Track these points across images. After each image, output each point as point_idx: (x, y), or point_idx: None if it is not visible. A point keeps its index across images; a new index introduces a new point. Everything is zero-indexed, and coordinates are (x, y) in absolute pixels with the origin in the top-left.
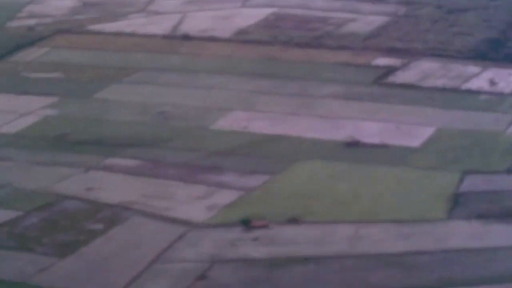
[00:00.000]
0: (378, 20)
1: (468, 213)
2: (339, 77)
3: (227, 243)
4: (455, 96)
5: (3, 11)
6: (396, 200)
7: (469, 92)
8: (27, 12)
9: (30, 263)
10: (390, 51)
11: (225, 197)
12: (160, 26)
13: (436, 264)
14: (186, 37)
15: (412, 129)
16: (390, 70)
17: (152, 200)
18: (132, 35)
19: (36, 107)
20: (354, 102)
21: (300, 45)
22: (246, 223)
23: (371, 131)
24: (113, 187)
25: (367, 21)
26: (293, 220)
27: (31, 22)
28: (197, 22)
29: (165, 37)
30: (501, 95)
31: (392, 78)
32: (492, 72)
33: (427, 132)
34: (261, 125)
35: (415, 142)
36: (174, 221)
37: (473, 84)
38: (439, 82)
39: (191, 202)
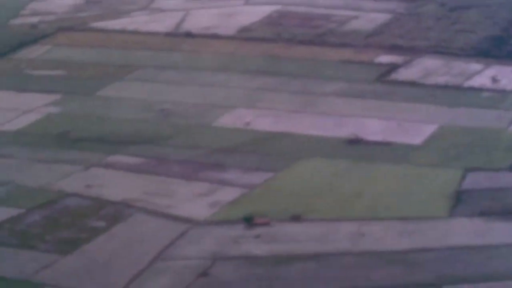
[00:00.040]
0: (380, 18)
1: (470, 210)
2: (341, 74)
3: (229, 240)
4: (457, 94)
5: (6, 9)
6: (398, 197)
7: (472, 89)
8: (30, 9)
9: (32, 260)
10: (393, 49)
11: (228, 194)
12: (162, 23)
13: (438, 261)
14: (189, 35)
15: (415, 127)
16: (393, 67)
17: (154, 198)
18: (134, 32)
19: (38, 105)
20: (356, 100)
21: (303, 43)
22: (249, 221)
23: (373, 128)
24: (115, 184)
25: (370, 18)
26: (295, 218)
27: (34, 19)
28: (200, 20)
29: (167, 34)
30: (503, 92)
31: (394, 76)
32: (494, 70)
33: (429, 129)
34: (264, 123)
35: (418, 140)
36: (176, 218)
37: (476, 82)
38: (442, 80)
39: (194, 199)
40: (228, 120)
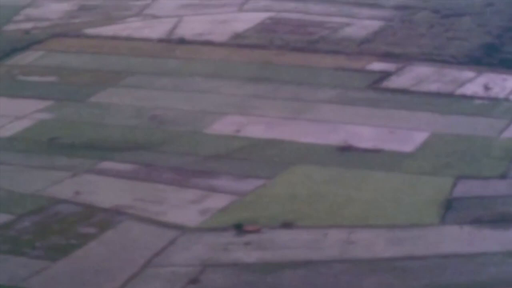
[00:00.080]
0: (373, 25)
1: (460, 218)
2: (334, 81)
3: (220, 247)
4: (449, 101)
5: (0, 15)
6: (388, 205)
7: (464, 97)
8: (24, 15)
9: (23, 266)
10: (385, 56)
11: (218, 201)
12: (156, 30)
13: (428, 269)
14: (182, 41)
15: (406, 134)
16: (385, 75)
17: (145, 204)
18: (128, 39)
19: (31, 111)
20: (348, 107)
21: (296, 49)
22: (239, 228)
23: (365, 136)
24: (106, 191)
25: (363, 25)
26: (286, 225)
27: (28, 25)
28: (193, 26)
29: (161, 41)
30: (495, 100)
31: (386, 83)
32: (486, 77)
33: (421, 137)
34: (256, 130)
35: (409, 147)
36: (166, 225)
37: (468, 89)
38: (434, 87)
39: (184, 206)
40: (220, 126)
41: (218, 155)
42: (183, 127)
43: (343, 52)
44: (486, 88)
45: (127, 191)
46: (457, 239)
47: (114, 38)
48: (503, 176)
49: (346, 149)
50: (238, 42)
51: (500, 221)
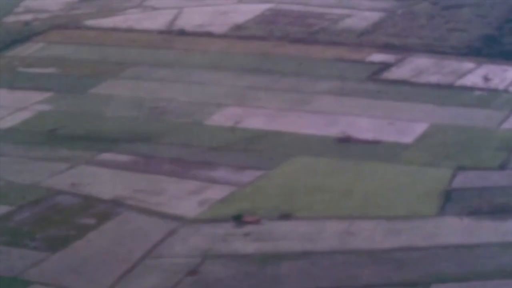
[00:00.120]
0: (374, 16)
1: (459, 209)
2: (333, 73)
3: (219, 238)
4: (449, 92)
5: (0, 6)
6: (387, 196)
7: (463, 88)
8: (24, 7)
9: (22, 258)
10: (385, 47)
11: (218, 192)
12: (156, 21)
13: (427, 260)
14: (182, 33)
15: (405, 125)
16: (385, 66)
17: (144, 196)
18: (128, 30)
19: (30, 102)
20: (348, 98)
21: (296, 41)
22: (238, 219)
23: (364, 127)
24: (105, 182)
25: (363, 17)
26: (285, 216)
27: (28, 17)
28: (193, 18)
29: (161, 32)
30: (495, 91)
31: (386, 74)
32: (486, 69)
33: (420, 128)
34: (255, 121)
35: (408, 138)
36: (166, 216)
37: (468, 80)
38: (433, 78)
39: (183, 197)
40: (220, 118)
41: (217, 147)
42: (183, 119)
43: (343, 44)
44: (486, 79)
45: (127, 183)
46: (456, 230)
47: (114, 29)
48: (502, 167)
49: (345, 140)
50: (238, 33)
51: (499, 212)
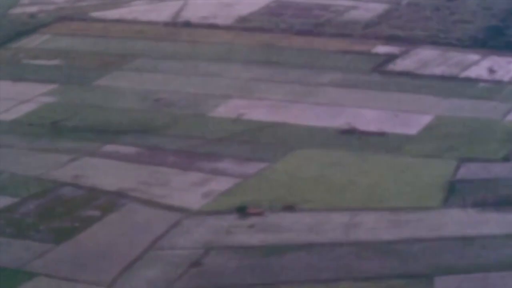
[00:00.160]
0: (379, 8)
1: (463, 201)
2: (338, 64)
3: (223, 230)
4: (453, 84)
5: None
6: (391, 187)
7: (468, 80)
8: None
9: (27, 249)
10: (390, 39)
11: (222, 184)
12: (161, 13)
13: (431, 252)
14: (187, 24)
15: (410, 117)
16: (390, 58)
17: (148, 187)
18: (133, 22)
19: (35, 94)
20: (352, 90)
21: (301, 33)
22: (242, 211)
23: (369, 118)
24: (110, 174)
25: (368, 8)
26: (289, 208)
27: (33, 9)
28: (199, 9)
29: (166, 24)
30: (499, 83)
31: (391, 66)
32: (491, 60)
33: (424, 120)
34: (260, 113)
35: (413, 130)
36: (170, 208)
37: (472, 72)
38: (438, 70)
39: (188, 189)
40: (224, 110)
41: (222, 138)
42: (188, 110)
43: (348, 35)
44: (491, 71)
45: (131, 174)
46: (460, 221)
47: (120, 21)
48: (506, 159)
49: (349, 132)
50: (243, 25)
51: (503, 203)
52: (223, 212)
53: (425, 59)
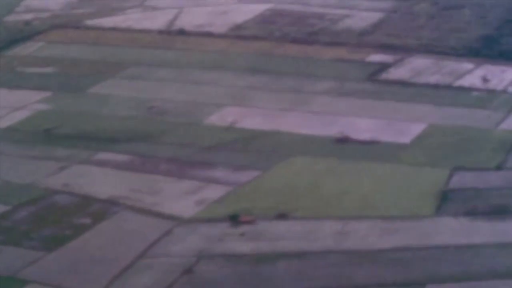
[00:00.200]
0: (373, 16)
1: (456, 209)
2: (332, 73)
3: (215, 238)
4: (447, 93)
5: (1, 5)
6: (384, 196)
7: (462, 88)
8: (25, 6)
9: (17, 257)
10: (384, 48)
11: (214, 192)
12: (156, 21)
13: (423, 260)
14: (182, 33)
15: (403, 126)
16: (384, 66)
17: (141, 195)
18: (128, 30)
19: (29, 102)
20: (346, 99)
21: (295, 41)
22: (234, 219)
23: (362, 127)
24: (102, 181)
25: (363, 17)
26: (281, 216)
27: (28, 16)
28: (193, 18)
29: (160, 32)
30: (493, 92)
31: (385, 75)
32: (485, 69)
33: (418, 128)
34: (254, 121)
35: (406, 139)
36: (162, 216)
37: (466, 81)
38: (432, 79)
39: (180, 197)
40: (218, 118)
41: (215, 146)
42: (181, 118)
43: (342, 44)
44: (485, 80)
45: (124, 182)
46: (452, 230)
47: (114, 29)
48: (499, 168)
49: (343, 140)
50: (237, 33)
51: (496, 212)
52: (215, 220)
53: (419, 67)
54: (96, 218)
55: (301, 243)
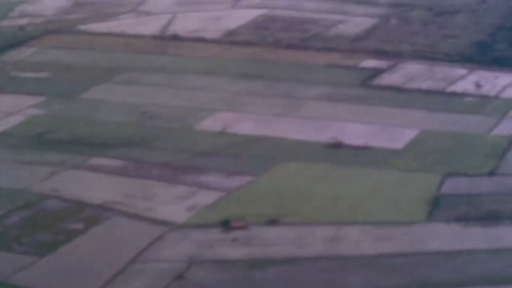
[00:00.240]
0: (367, 22)
1: (448, 215)
2: (326, 79)
3: (206, 243)
4: (440, 99)
5: None
6: (376, 202)
7: (454, 94)
8: (19, 11)
9: (9, 262)
10: (378, 53)
11: (206, 198)
12: (149, 26)
13: (415, 266)
14: (175, 38)
15: (396, 131)
16: (377, 72)
17: (133, 200)
18: (121, 35)
19: (23, 107)
20: (339, 104)
21: (289, 47)
22: (226, 224)
23: (355, 133)
24: (95, 187)
25: (356, 23)
26: (273, 222)
27: (23, 21)
28: (187, 23)
29: (154, 37)
30: (486, 97)
31: (378, 80)
32: (478, 75)
33: (410, 134)
34: (246, 126)
35: (398, 144)
36: (154, 221)
37: (459, 87)
38: (425, 85)
39: (172, 202)
40: (211, 123)
41: (208, 152)
42: (174, 124)
43: (336, 50)
44: (477, 85)
45: (116, 187)
46: (444, 236)
47: (108, 34)
48: (491, 174)
49: (335, 146)
50: (230, 39)
51: (488, 218)
52: (207, 225)
53: (412, 73)
54: (89, 223)
55: (293, 248)
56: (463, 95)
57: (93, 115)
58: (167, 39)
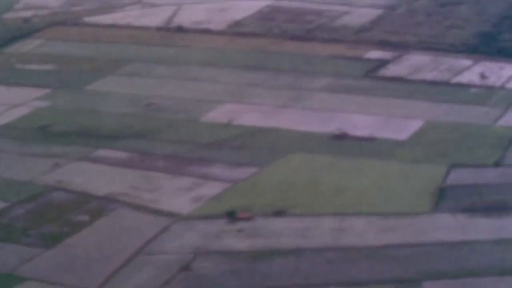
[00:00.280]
0: (372, 13)
1: (453, 206)
2: (331, 70)
3: (212, 235)
4: (445, 90)
5: (0, 3)
6: (381, 193)
7: (460, 85)
8: (24, 3)
9: (15, 254)
10: (383, 44)
11: (212, 189)
12: (154, 18)
13: (420, 257)
14: (180, 29)
15: (401, 122)
16: (382, 63)
17: (139, 192)
18: (126, 27)
19: (28, 99)
20: (344, 95)
21: (294, 38)
22: (232, 215)
23: (359, 124)
24: (100, 178)
25: (361, 14)
26: (279, 213)
27: (28, 13)
28: (192, 14)
29: (159, 29)
30: (491, 88)
31: (383, 71)
32: (483, 66)
33: (415, 125)
34: (251, 118)
35: (403, 135)
36: (160, 213)
37: (464, 78)
38: (430, 75)
39: (178, 194)
40: (216, 115)
41: (213, 143)
42: (179, 115)
43: (341, 41)
44: (483, 76)
45: (122, 179)
46: (450, 227)
47: (113, 26)
48: (497, 164)
49: (340, 137)
50: (236, 30)
51: (493, 209)
52: (213, 217)
53: (417, 64)
54: (94, 215)
55: (298, 239)
56: (468, 86)
57: (98, 107)
58: (172, 31)
